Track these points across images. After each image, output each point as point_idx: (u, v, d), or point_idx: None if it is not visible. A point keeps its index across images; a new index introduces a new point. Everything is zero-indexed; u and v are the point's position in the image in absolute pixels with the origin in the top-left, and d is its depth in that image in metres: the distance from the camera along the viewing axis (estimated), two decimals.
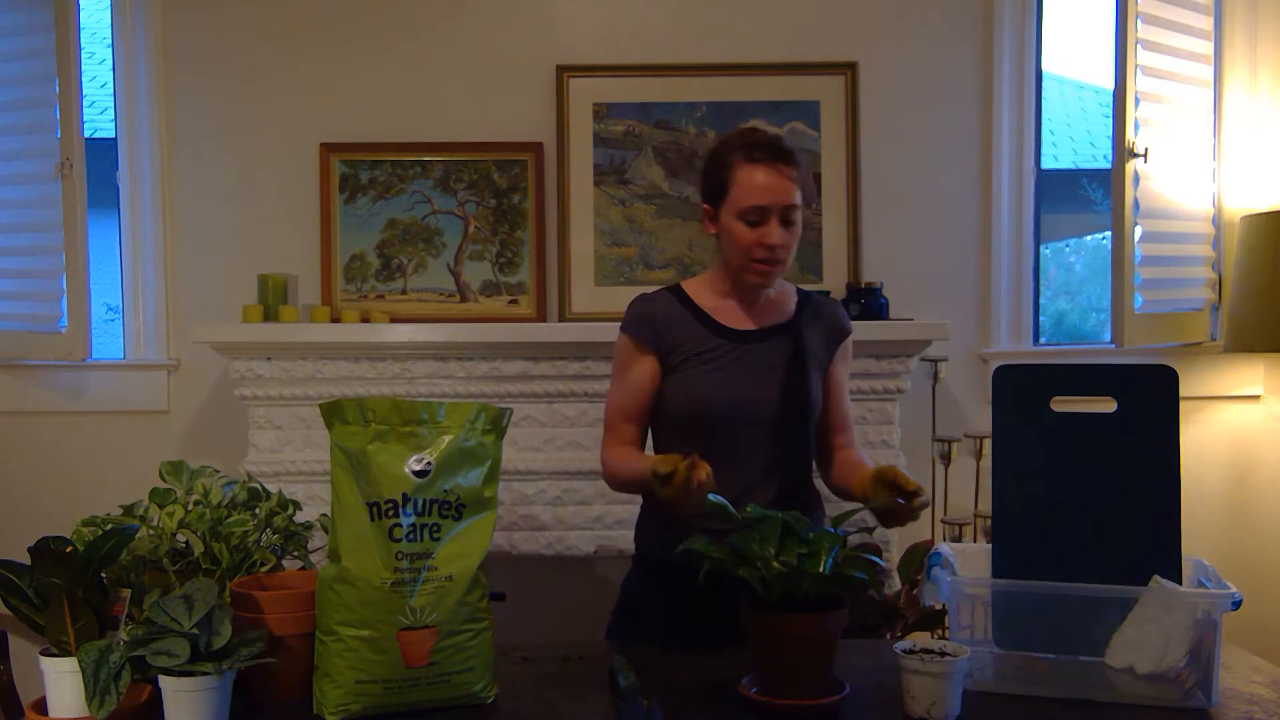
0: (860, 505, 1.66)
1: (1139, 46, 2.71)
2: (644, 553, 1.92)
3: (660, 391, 1.83)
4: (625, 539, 2.40)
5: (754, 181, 1.75)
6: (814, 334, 1.88)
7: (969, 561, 1.57)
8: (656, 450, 1.84)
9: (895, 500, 1.56)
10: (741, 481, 1.78)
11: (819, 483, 1.95)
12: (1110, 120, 2.76)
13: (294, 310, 2.87)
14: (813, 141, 3.06)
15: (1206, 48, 2.90)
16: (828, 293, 2.92)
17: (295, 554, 1.55)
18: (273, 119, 3.07)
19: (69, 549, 1.28)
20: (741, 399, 1.78)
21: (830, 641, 1.35)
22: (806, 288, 2.90)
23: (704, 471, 1.51)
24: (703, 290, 1.88)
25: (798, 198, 1.78)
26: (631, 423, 1.83)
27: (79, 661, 1.20)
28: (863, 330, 2.82)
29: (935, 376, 3.00)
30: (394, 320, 2.92)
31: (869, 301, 2.89)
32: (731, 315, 1.85)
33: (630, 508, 2.05)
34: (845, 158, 3.06)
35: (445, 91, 3.08)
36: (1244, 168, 2.92)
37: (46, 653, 1.26)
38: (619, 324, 1.87)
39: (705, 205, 1.84)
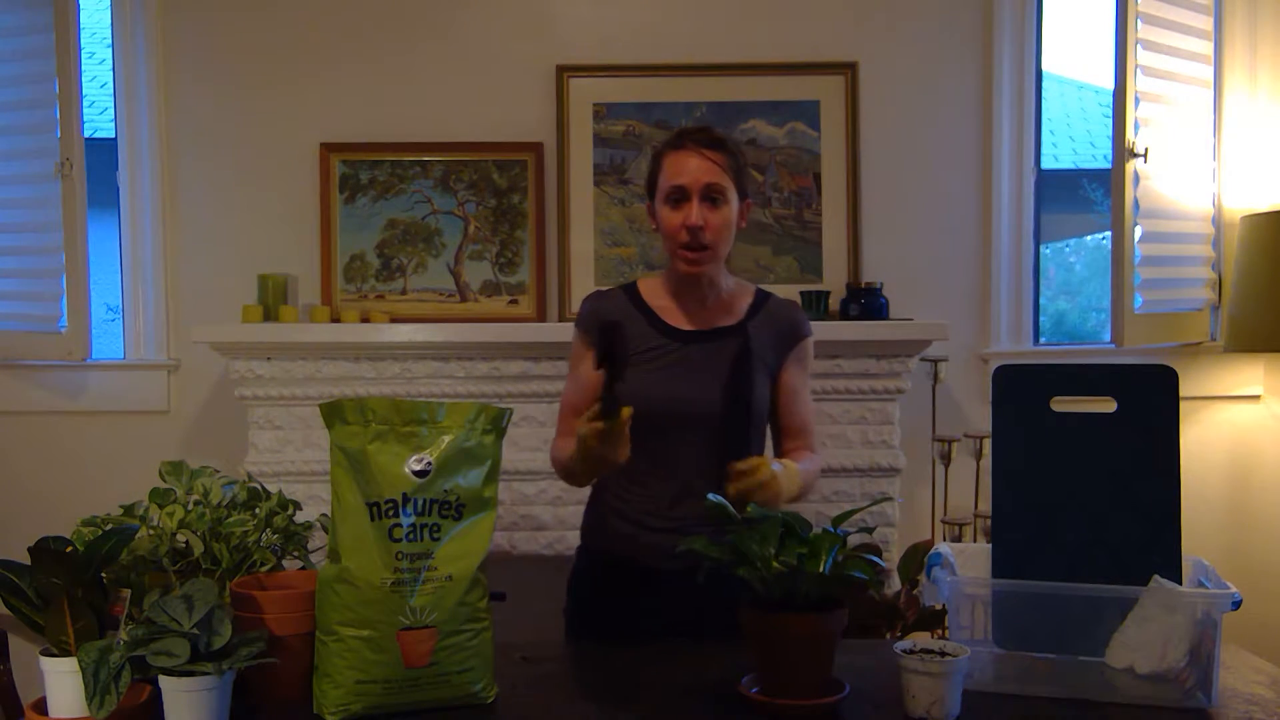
0: (859, 506, 1.66)
1: (1139, 46, 2.71)
2: (590, 546, 1.93)
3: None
4: None
5: (677, 164, 1.78)
6: (764, 336, 1.87)
7: (969, 561, 1.57)
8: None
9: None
10: (680, 481, 1.79)
11: None
12: (1110, 120, 2.76)
13: (294, 310, 2.87)
14: (813, 141, 3.06)
15: (1206, 48, 2.90)
16: (826, 292, 2.93)
17: (295, 554, 1.55)
18: (273, 119, 3.07)
19: (69, 549, 1.28)
20: (682, 398, 1.78)
21: (830, 641, 1.35)
22: (807, 288, 2.94)
23: (626, 411, 1.53)
24: (655, 289, 1.89)
25: (723, 180, 1.78)
26: (580, 417, 1.81)
27: (79, 661, 1.20)
28: (863, 330, 2.83)
29: (935, 376, 3.00)
30: (394, 320, 2.92)
31: (869, 301, 2.89)
32: (679, 315, 1.86)
33: None
34: (845, 158, 3.06)
35: (445, 91, 3.08)
36: (1244, 168, 2.92)
37: (46, 653, 1.26)
38: None
39: (648, 203, 1.87)
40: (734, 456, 1.77)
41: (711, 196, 1.77)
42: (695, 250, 1.78)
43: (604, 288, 1.93)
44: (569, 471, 1.80)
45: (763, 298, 1.92)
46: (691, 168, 1.77)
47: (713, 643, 1.65)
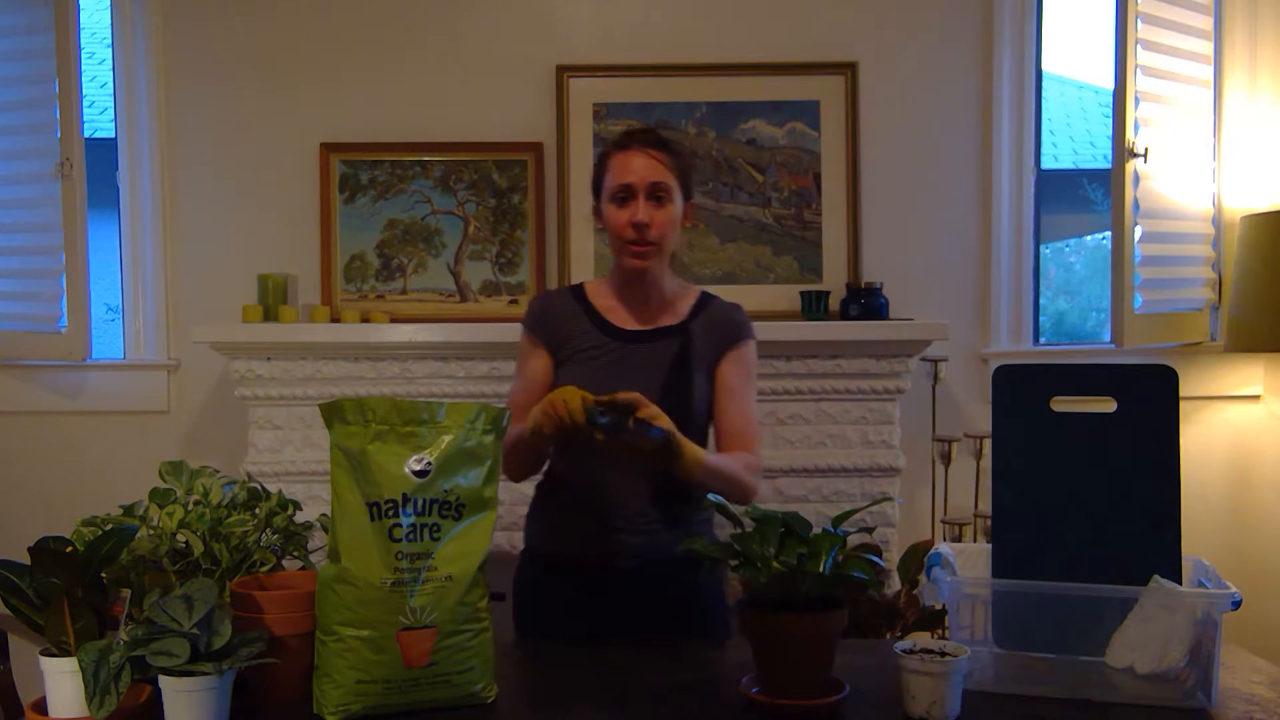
0: (859, 506, 1.66)
1: (1139, 46, 2.71)
2: (535, 549, 1.93)
3: (552, 386, 1.85)
4: None
5: (623, 164, 1.83)
6: (706, 337, 1.89)
7: (969, 561, 1.57)
8: (554, 449, 1.85)
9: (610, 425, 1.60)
10: (621, 479, 1.80)
11: None
12: (1110, 120, 2.76)
13: (294, 310, 2.87)
14: (813, 141, 3.06)
15: (1206, 48, 2.90)
16: (826, 292, 2.93)
17: (295, 554, 1.55)
18: (273, 119, 3.07)
19: (69, 549, 1.28)
20: None
21: (830, 641, 1.35)
22: (807, 288, 2.94)
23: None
24: (600, 290, 1.94)
25: (669, 179, 1.82)
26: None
27: (79, 661, 1.20)
28: (863, 330, 2.83)
29: (935, 376, 3.00)
30: (394, 320, 2.92)
31: (869, 301, 2.89)
32: (622, 315, 1.90)
33: None
34: (845, 158, 3.06)
35: (445, 91, 3.08)
36: (1244, 168, 2.92)
37: (46, 653, 1.26)
38: None
39: (594, 204, 1.91)
40: None
41: (657, 195, 1.82)
42: (642, 246, 1.82)
43: (551, 289, 1.96)
44: (513, 462, 1.81)
45: (706, 299, 1.95)
46: (638, 167, 1.81)
47: (661, 641, 1.69)
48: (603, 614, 1.80)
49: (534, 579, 1.91)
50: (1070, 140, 7.90)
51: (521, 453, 1.79)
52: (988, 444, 2.53)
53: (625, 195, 1.81)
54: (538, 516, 1.94)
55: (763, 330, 2.76)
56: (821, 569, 1.35)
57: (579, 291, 1.94)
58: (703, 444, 1.86)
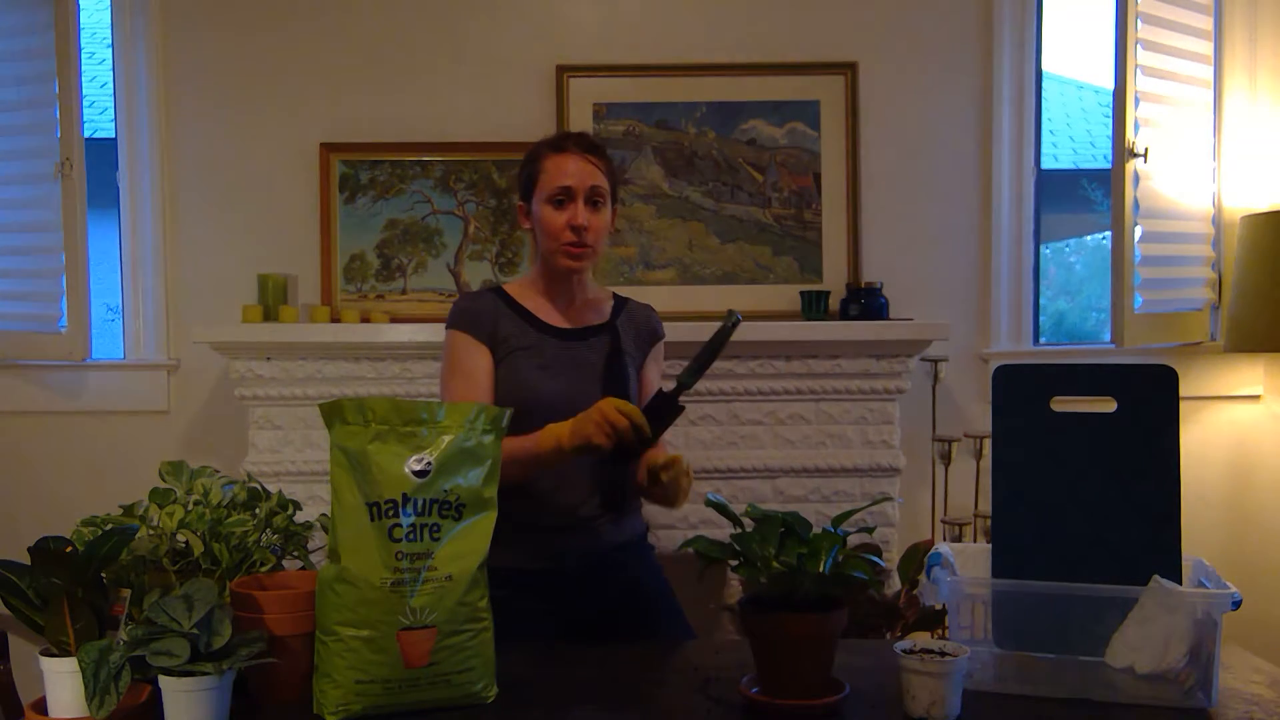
0: (859, 506, 1.66)
1: (1139, 46, 2.71)
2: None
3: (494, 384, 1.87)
4: None
5: (560, 166, 1.86)
6: (629, 335, 1.95)
7: (969, 561, 1.57)
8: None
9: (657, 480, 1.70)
10: (561, 475, 1.81)
11: None
12: (1110, 120, 2.76)
13: (294, 310, 2.87)
14: (813, 141, 3.06)
15: (1206, 48, 2.90)
16: (826, 292, 2.93)
17: (295, 554, 1.55)
18: (273, 119, 3.07)
19: (69, 549, 1.28)
20: (565, 392, 1.82)
21: (830, 641, 1.35)
22: (807, 288, 2.94)
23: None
24: (523, 291, 1.95)
25: (604, 184, 1.87)
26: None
27: (79, 661, 1.20)
28: (863, 330, 2.83)
29: (935, 376, 3.00)
30: (394, 320, 2.92)
31: (869, 301, 2.89)
32: (551, 314, 1.92)
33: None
34: (845, 158, 3.06)
35: (445, 91, 3.08)
36: (1244, 168, 2.92)
37: (46, 653, 1.26)
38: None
39: (520, 203, 1.93)
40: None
41: (594, 199, 1.86)
42: (579, 248, 1.85)
43: (471, 291, 1.99)
44: (508, 462, 1.78)
45: (621, 300, 2.01)
46: (576, 170, 1.85)
47: (661, 642, 1.72)
48: (551, 620, 1.80)
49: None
50: (1070, 140, 7.90)
51: (527, 470, 1.75)
52: (988, 444, 2.53)
53: (564, 198, 1.84)
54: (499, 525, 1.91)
55: (763, 330, 2.78)
56: (821, 569, 1.35)
57: (500, 293, 1.94)
58: None
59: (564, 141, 1.89)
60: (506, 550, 1.83)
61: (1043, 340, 3.20)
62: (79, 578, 1.27)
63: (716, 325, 1.72)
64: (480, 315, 1.88)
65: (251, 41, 3.07)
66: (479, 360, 1.86)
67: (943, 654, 1.31)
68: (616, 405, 1.62)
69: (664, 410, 1.70)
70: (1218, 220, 2.93)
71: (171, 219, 3.09)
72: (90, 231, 2.88)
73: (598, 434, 1.62)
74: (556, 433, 1.68)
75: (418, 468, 1.35)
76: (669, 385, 1.75)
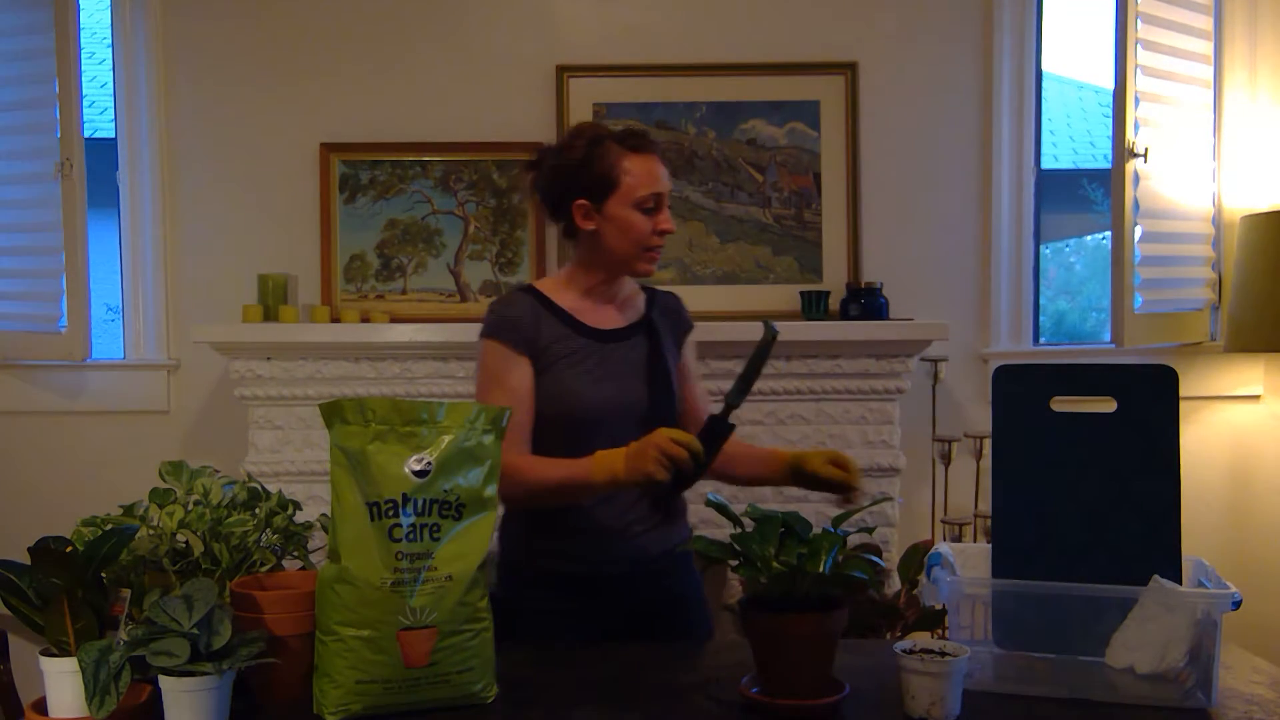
0: (859, 506, 1.66)
1: (1139, 46, 2.71)
2: (514, 560, 1.86)
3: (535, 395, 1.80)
4: None
5: (650, 171, 1.80)
6: (665, 328, 1.92)
7: (969, 561, 1.57)
8: (536, 450, 1.79)
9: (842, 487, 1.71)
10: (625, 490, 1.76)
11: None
12: (1110, 120, 2.76)
13: (294, 310, 2.87)
14: (813, 141, 3.06)
15: (1206, 48, 2.90)
16: (826, 292, 2.93)
17: (295, 554, 1.55)
18: (273, 119, 3.07)
19: (69, 549, 1.28)
20: (612, 398, 1.79)
21: (830, 641, 1.35)
22: (806, 288, 2.94)
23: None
24: (560, 291, 1.87)
25: None
26: (525, 429, 1.77)
27: (79, 661, 1.20)
28: (863, 330, 2.83)
29: (935, 376, 3.00)
30: (394, 320, 2.92)
31: (869, 301, 2.89)
32: (593, 314, 1.85)
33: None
34: (845, 158, 3.06)
35: (445, 91, 3.08)
36: (1244, 168, 2.92)
37: (46, 653, 1.26)
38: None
39: (582, 201, 1.80)
40: None
41: (667, 203, 1.85)
42: (658, 252, 1.84)
43: (505, 295, 1.92)
44: (542, 494, 1.73)
45: (651, 293, 1.97)
46: (663, 175, 1.82)
47: (660, 642, 1.70)
48: (589, 622, 1.78)
49: (516, 593, 1.83)
50: (1070, 140, 7.90)
51: (577, 498, 1.73)
52: (988, 444, 2.53)
53: (654, 205, 1.80)
54: (517, 532, 1.86)
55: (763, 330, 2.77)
56: (821, 569, 1.35)
57: (536, 294, 1.86)
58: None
59: (642, 142, 1.81)
60: (552, 554, 1.82)
61: (1043, 340, 3.20)
62: (79, 578, 1.27)
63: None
64: (519, 323, 1.80)
65: (252, 41, 3.07)
66: (523, 372, 1.79)
67: (943, 654, 1.31)
68: (672, 436, 1.57)
69: (717, 432, 1.67)
70: (1218, 220, 2.93)
71: (171, 219, 3.09)
72: (90, 231, 2.87)
73: (657, 470, 1.57)
74: (611, 467, 1.62)
75: (418, 468, 1.35)
76: (717, 407, 1.70)
